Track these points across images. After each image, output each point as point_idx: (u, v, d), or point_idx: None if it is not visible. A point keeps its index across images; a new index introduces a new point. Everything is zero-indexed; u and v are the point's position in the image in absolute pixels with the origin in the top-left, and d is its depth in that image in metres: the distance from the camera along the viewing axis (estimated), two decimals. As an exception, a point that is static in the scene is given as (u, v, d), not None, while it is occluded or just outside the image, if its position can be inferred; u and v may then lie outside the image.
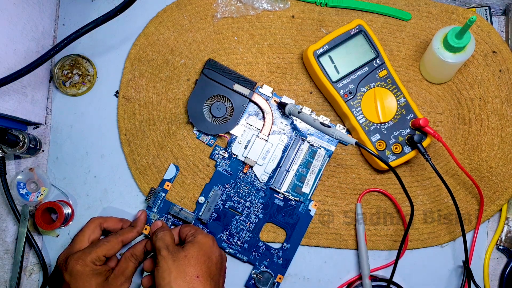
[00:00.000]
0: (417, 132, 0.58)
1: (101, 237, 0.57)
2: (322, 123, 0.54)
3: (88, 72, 0.63)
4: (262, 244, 0.60)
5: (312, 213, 0.60)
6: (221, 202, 0.60)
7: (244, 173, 0.61)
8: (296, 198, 0.60)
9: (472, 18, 0.50)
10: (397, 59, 0.62)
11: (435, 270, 0.62)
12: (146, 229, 0.59)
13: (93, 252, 0.52)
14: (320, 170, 0.61)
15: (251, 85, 0.61)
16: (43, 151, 0.62)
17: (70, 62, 0.63)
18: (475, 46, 0.57)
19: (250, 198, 0.60)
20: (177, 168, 0.61)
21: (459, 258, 0.62)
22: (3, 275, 0.60)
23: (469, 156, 0.61)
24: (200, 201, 0.60)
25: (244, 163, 0.61)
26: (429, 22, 0.63)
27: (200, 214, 0.60)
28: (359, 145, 0.51)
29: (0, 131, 0.54)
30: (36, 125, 0.62)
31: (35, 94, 0.59)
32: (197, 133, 0.61)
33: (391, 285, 0.59)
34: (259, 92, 0.61)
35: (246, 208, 0.60)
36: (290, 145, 0.61)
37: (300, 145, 0.61)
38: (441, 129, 0.62)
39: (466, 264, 0.59)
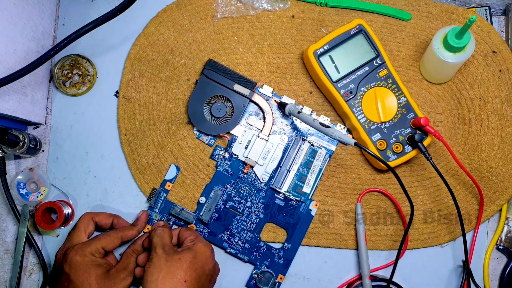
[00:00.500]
0: (417, 131, 0.58)
1: (96, 233, 0.58)
2: (322, 124, 0.54)
3: (88, 72, 0.63)
4: (263, 244, 0.60)
5: (313, 213, 0.60)
6: (222, 202, 0.60)
7: (245, 173, 0.61)
8: (297, 198, 0.60)
9: (472, 18, 0.50)
10: (397, 59, 0.62)
11: (435, 270, 0.62)
12: (148, 228, 0.59)
13: (92, 244, 0.53)
14: (320, 170, 0.61)
15: (251, 85, 0.61)
16: (43, 151, 0.62)
17: (70, 62, 0.63)
18: (475, 46, 0.57)
19: (250, 198, 0.60)
20: (178, 169, 0.61)
21: (459, 258, 0.62)
22: (3, 275, 0.60)
23: (469, 156, 0.62)
24: (201, 201, 0.60)
25: (244, 163, 0.61)
26: (429, 22, 0.63)
27: (201, 214, 0.60)
28: (359, 145, 0.51)
29: (0, 131, 0.54)
30: (36, 125, 0.62)
31: (35, 94, 0.59)
32: (197, 133, 0.61)
33: (391, 285, 0.59)
34: (259, 92, 0.61)
35: (247, 208, 0.60)
36: (291, 145, 0.61)
37: (301, 145, 0.61)
38: (441, 129, 0.62)
39: (466, 264, 0.59)
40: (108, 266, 0.54)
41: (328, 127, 0.53)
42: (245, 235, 0.60)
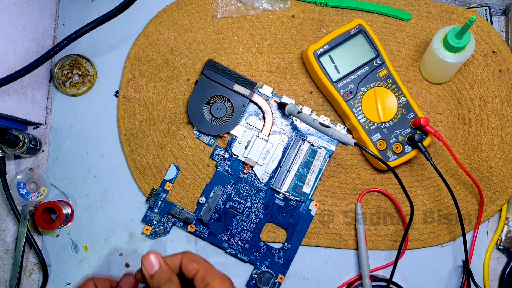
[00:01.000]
0: (417, 131, 0.58)
1: None
2: (322, 124, 0.54)
3: (88, 72, 0.63)
4: (263, 244, 0.60)
5: (313, 213, 0.60)
6: (222, 203, 0.60)
7: (245, 173, 0.61)
8: (296, 198, 0.60)
9: (472, 18, 0.50)
10: (397, 59, 0.62)
11: (435, 270, 0.62)
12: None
13: None
14: (320, 170, 0.61)
15: (251, 85, 0.60)
16: (43, 151, 0.62)
17: (70, 62, 0.63)
18: (475, 46, 0.57)
19: (250, 198, 0.60)
20: (178, 169, 0.61)
21: (459, 258, 0.62)
22: (3, 275, 0.60)
23: (469, 156, 0.62)
24: (200, 202, 0.60)
25: (244, 163, 0.61)
26: (429, 22, 0.63)
27: (200, 214, 0.60)
28: (358, 145, 0.51)
29: (0, 131, 0.54)
30: (36, 125, 0.62)
31: (35, 94, 0.59)
32: (197, 133, 0.61)
33: (391, 285, 0.59)
34: (259, 92, 0.61)
35: (247, 208, 0.60)
36: (291, 145, 0.61)
37: (301, 145, 0.61)
38: (441, 129, 0.62)
39: (466, 264, 0.59)
40: None
41: (328, 127, 0.53)
42: (245, 235, 0.60)
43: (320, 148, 0.61)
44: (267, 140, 0.61)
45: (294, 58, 0.63)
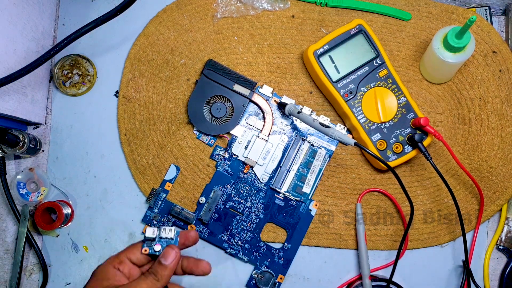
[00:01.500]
0: (417, 131, 0.58)
1: None
2: (322, 124, 0.54)
3: (88, 72, 0.63)
4: (263, 244, 0.60)
5: (313, 213, 0.60)
6: (222, 203, 0.60)
7: (245, 173, 0.61)
8: (296, 198, 0.60)
9: (472, 18, 0.50)
10: (397, 59, 0.62)
11: (435, 270, 0.62)
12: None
13: (118, 254, 0.47)
14: (320, 170, 0.61)
15: (251, 85, 0.60)
16: (43, 151, 0.62)
17: (70, 62, 0.63)
18: (475, 46, 0.57)
19: (250, 198, 0.60)
20: (178, 169, 0.61)
21: (459, 258, 0.62)
22: (3, 275, 0.60)
23: (469, 156, 0.62)
24: (200, 202, 0.60)
25: (244, 163, 0.61)
26: (429, 22, 0.63)
27: (200, 214, 0.60)
28: (358, 145, 0.51)
29: (0, 131, 0.54)
30: (36, 125, 0.62)
31: (35, 94, 0.59)
32: (197, 133, 0.61)
33: (391, 285, 0.59)
34: (259, 92, 0.61)
35: (247, 208, 0.60)
36: (291, 145, 0.61)
37: (301, 145, 0.61)
38: (441, 129, 0.62)
39: (466, 264, 0.59)
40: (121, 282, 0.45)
41: (328, 127, 0.53)
42: (245, 235, 0.60)
43: (320, 148, 0.61)
44: (267, 140, 0.61)
45: (294, 58, 0.63)
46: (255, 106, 0.61)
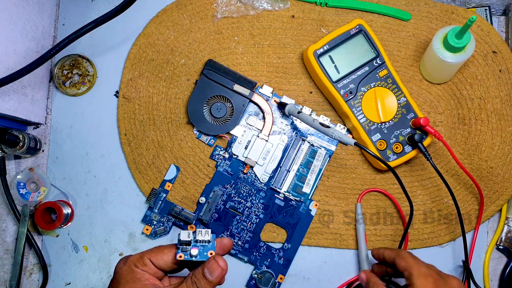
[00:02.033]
0: (417, 131, 0.58)
1: None
2: (322, 124, 0.54)
3: (88, 72, 0.63)
4: (263, 244, 0.60)
5: (313, 213, 0.60)
6: (222, 203, 0.60)
7: (245, 173, 0.61)
8: (296, 198, 0.60)
9: (472, 18, 0.50)
10: (397, 59, 0.62)
11: (435, 270, 0.62)
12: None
13: (139, 254, 0.43)
14: (320, 170, 0.61)
15: (251, 85, 0.60)
16: (43, 151, 0.62)
17: (70, 62, 0.63)
18: (475, 46, 0.57)
19: (250, 198, 0.60)
20: (178, 169, 0.61)
21: (459, 258, 0.62)
22: (3, 275, 0.60)
23: (469, 156, 0.62)
24: (200, 202, 0.60)
25: (244, 163, 0.61)
26: (429, 22, 0.63)
27: (200, 214, 0.60)
28: (359, 145, 0.51)
29: (0, 131, 0.54)
30: (36, 125, 0.62)
31: (35, 94, 0.59)
32: (197, 133, 0.61)
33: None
34: (259, 92, 0.61)
35: (247, 208, 0.60)
36: (291, 145, 0.61)
37: (301, 145, 0.61)
38: (441, 129, 0.62)
39: (466, 264, 0.59)
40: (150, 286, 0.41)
41: (328, 127, 0.53)
42: (245, 235, 0.60)
43: (320, 148, 0.61)
44: (267, 140, 0.61)
45: (294, 58, 0.63)
46: (255, 106, 0.61)
